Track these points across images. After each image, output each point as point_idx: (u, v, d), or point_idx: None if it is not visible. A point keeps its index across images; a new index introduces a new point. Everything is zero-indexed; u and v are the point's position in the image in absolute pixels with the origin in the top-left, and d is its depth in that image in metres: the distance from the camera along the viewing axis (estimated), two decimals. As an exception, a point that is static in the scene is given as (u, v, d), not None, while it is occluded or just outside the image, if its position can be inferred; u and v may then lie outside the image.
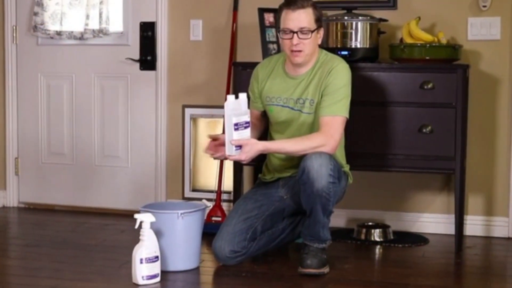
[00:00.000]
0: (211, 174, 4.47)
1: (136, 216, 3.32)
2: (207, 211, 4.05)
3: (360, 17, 3.98)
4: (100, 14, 4.60)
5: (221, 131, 4.19)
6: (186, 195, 4.62)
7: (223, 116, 3.34)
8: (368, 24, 3.97)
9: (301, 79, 3.57)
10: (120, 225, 4.43)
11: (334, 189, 3.38)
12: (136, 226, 3.30)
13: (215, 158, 3.61)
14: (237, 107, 3.34)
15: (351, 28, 3.96)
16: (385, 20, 4.06)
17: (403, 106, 3.86)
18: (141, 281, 3.25)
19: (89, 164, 4.81)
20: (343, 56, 3.79)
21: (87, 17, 4.63)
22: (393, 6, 4.10)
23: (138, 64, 4.67)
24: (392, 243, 4.02)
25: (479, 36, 4.12)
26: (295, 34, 3.46)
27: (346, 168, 3.65)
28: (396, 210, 4.31)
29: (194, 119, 4.61)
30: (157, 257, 3.29)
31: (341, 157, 3.64)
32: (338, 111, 3.46)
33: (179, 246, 3.45)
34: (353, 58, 3.91)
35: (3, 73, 4.91)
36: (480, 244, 4.05)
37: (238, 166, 4.02)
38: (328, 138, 3.41)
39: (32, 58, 4.87)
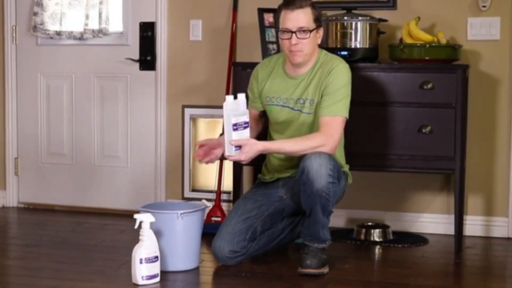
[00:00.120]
0: (211, 174, 4.47)
1: (135, 216, 3.32)
2: (207, 211, 4.05)
3: (359, 17, 3.98)
4: (100, 14, 4.60)
5: (220, 131, 4.19)
6: (185, 195, 4.62)
7: (222, 117, 3.34)
8: (367, 24, 3.97)
9: (301, 79, 3.57)
10: (119, 225, 4.43)
11: (334, 189, 3.38)
12: (136, 226, 3.30)
13: (206, 163, 3.60)
14: (236, 108, 3.34)
15: (351, 28, 3.96)
16: (385, 20, 4.06)
17: (403, 106, 3.86)
18: (140, 281, 3.25)
19: (88, 164, 4.81)
20: (343, 56, 3.79)
21: (87, 17, 4.63)
22: (393, 6, 4.10)
23: (137, 64, 4.67)
24: (391, 243, 4.02)
25: (478, 36, 4.12)
26: (294, 34, 3.46)
27: (346, 168, 3.65)
28: (396, 210, 4.31)
29: (193, 119, 4.62)
30: (156, 257, 3.29)
31: (341, 157, 3.64)
32: (338, 111, 3.46)
33: (179, 246, 3.45)
34: (352, 58, 3.91)
35: (2, 73, 4.91)
36: (479, 244, 4.05)
37: (237, 166, 4.02)
38: (327, 138, 3.41)
39: (31, 58, 4.87)
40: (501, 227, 4.18)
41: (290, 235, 3.68)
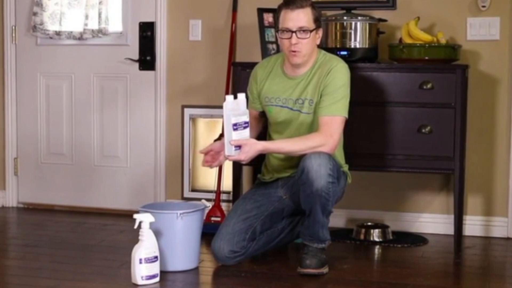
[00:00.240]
0: (210, 174, 4.47)
1: (135, 216, 3.31)
2: (206, 211, 4.04)
3: (359, 17, 3.98)
4: (99, 14, 4.60)
5: (220, 131, 4.20)
6: (185, 195, 4.62)
7: (222, 116, 3.34)
8: (367, 24, 3.97)
9: (300, 79, 3.57)
10: (119, 225, 4.43)
11: (333, 189, 3.38)
12: (135, 226, 3.30)
13: (216, 167, 3.65)
14: (235, 107, 3.34)
15: (351, 28, 3.96)
16: (384, 20, 4.06)
17: (402, 106, 3.86)
18: (140, 281, 3.25)
19: (88, 164, 4.81)
20: (342, 56, 3.79)
21: (86, 17, 4.63)
22: (392, 6, 4.09)
23: (137, 64, 4.67)
24: (391, 243, 4.02)
25: (478, 36, 4.13)
26: (294, 34, 3.46)
27: (345, 168, 3.65)
28: (395, 210, 4.31)
29: (193, 119, 4.61)
30: (156, 257, 3.29)
31: (340, 157, 3.64)
32: (337, 111, 3.46)
33: (178, 246, 3.45)
34: (352, 58, 3.91)
35: (2, 73, 4.91)
36: (479, 244, 4.05)
37: (237, 166, 4.02)
38: (327, 138, 3.41)
39: (31, 58, 4.87)
40: (500, 227, 4.18)
41: (289, 235, 3.68)
